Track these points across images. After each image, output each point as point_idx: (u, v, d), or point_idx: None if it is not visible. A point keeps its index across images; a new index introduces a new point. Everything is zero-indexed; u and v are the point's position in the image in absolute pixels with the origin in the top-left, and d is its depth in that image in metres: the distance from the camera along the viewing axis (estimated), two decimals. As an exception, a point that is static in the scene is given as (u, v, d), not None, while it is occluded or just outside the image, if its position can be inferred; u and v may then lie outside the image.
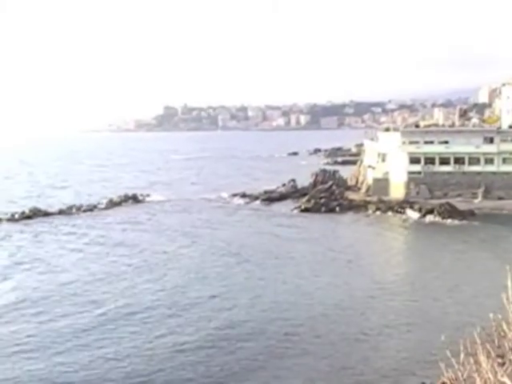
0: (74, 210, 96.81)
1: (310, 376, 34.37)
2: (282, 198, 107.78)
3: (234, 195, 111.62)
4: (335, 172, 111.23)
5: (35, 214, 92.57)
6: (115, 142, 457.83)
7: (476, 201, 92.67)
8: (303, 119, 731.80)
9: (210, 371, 35.14)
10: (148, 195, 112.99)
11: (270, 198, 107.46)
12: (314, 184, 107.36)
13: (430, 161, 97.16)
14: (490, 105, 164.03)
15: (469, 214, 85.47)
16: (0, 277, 57.64)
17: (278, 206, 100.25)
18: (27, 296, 50.92)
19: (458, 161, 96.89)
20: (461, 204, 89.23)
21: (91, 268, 60.34)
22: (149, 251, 67.16)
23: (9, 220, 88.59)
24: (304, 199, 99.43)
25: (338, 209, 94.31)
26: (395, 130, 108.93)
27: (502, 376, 9.99)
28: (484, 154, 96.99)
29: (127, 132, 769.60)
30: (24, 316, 45.68)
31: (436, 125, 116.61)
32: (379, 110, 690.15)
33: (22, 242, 74.04)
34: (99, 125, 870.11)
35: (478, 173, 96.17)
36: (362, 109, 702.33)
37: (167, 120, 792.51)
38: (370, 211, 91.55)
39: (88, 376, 34.77)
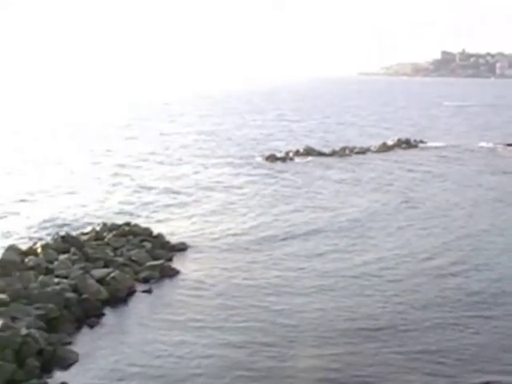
0: (346, 152, 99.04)
1: None
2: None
3: (510, 145, 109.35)
4: None
5: (309, 152, 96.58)
6: (393, 86, 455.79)
7: None
8: None
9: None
10: (421, 141, 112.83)
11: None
12: None
13: None
14: None
15: None
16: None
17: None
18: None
19: None
20: None
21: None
22: (423, 198, 66.50)
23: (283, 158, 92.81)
24: None
25: None
26: None
27: None
28: None
29: (404, 76, 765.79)
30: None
31: None
32: None
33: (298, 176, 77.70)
34: (376, 68, 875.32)
35: None
36: None
37: (444, 66, 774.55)
38: None
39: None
